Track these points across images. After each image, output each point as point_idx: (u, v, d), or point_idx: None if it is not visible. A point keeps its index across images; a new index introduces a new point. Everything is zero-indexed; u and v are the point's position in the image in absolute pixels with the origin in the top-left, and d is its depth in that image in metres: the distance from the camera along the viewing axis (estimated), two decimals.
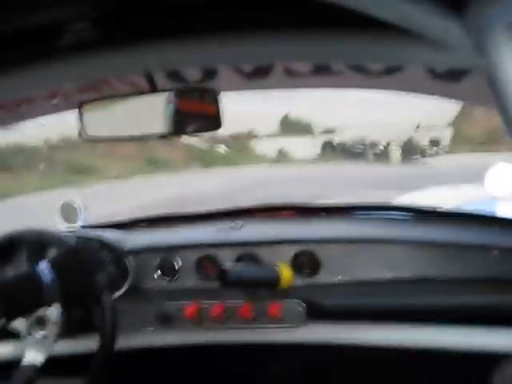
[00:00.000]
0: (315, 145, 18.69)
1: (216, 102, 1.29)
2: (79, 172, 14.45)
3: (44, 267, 1.46)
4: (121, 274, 1.73)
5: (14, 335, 1.54)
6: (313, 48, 1.05)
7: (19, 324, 1.51)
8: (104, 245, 1.73)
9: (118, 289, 1.70)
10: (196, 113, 1.30)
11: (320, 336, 1.60)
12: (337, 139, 19.06)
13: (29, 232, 1.66)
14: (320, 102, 14.33)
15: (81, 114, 1.34)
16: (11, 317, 1.45)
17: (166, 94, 1.31)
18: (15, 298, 1.44)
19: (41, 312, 1.49)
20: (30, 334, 1.49)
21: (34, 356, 1.47)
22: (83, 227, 2.03)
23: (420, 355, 1.59)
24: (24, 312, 1.47)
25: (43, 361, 1.46)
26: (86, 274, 1.49)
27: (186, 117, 1.30)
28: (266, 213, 1.98)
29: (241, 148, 18.31)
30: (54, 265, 1.46)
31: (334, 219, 1.91)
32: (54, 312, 1.49)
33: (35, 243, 1.64)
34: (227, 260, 1.67)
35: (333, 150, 18.67)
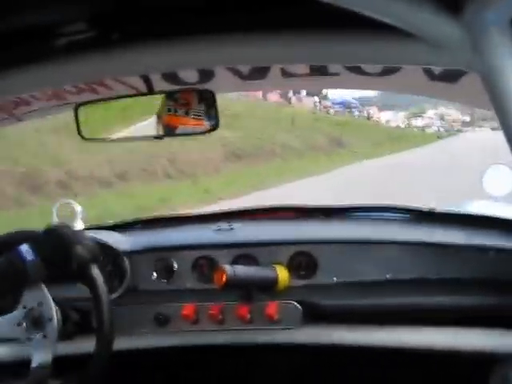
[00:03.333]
0: None
1: (213, 103, 1.30)
2: None
3: (25, 248, 1.47)
4: (118, 276, 1.73)
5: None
6: (310, 49, 1.05)
7: (16, 328, 1.50)
8: (101, 246, 1.73)
9: (115, 290, 1.70)
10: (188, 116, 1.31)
11: (317, 337, 1.60)
12: None
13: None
14: None
15: (77, 115, 1.34)
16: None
17: (162, 95, 1.31)
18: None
19: (36, 313, 1.49)
20: (28, 337, 1.49)
21: (42, 357, 1.46)
22: (80, 229, 2.03)
23: (417, 356, 1.59)
24: (11, 290, 1.50)
25: (51, 360, 1.46)
26: (65, 247, 1.48)
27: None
28: (263, 214, 1.98)
29: None
30: (34, 244, 1.47)
31: (331, 220, 1.91)
32: (50, 313, 1.49)
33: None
34: (224, 261, 1.67)
35: None
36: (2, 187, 10.50)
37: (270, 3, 1.00)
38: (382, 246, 1.63)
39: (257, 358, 1.82)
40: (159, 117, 1.32)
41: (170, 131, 1.34)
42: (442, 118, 64.71)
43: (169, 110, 1.32)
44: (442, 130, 54.19)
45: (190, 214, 2.05)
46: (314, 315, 1.60)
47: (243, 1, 1.00)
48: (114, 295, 1.67)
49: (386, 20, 0.88)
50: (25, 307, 1.50)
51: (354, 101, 40.63)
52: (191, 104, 1.32)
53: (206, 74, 1.34)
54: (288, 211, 1.98)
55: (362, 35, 0.99)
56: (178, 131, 1.34)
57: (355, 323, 1.58)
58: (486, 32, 0.86)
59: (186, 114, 1.31)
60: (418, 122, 58.05)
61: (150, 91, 1.31)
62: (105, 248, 1.73)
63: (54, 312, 1.49)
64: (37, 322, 1.49)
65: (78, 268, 1.48)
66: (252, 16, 1.01)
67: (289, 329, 1.60)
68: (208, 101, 1.30)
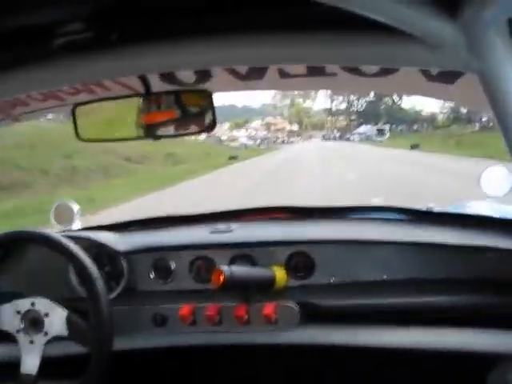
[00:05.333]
0: None
1: (210, 103, 1.30)
2: None
3: None
4: (116, 276, 1.73)
5: (8, 337, 1.55)
6: (308, 50, 1.05)
7: (14, 326, 1.51)
8: (98, 246, 1.73)
9: (113, 290, 1.70)
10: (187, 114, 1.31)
11: (315, 337, 1.60)
12: None
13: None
14: None
15: (75, 115, 1.34)
16: None
17: (159, 95, 1.31)
18: None
19: (36, 314, 1.49)
20: (25, 335, 1.49)
21: (30, 364, 1.47)
22: (78, 229, 2.03)
23: (415, 356, 1.59)
24: None
25: (38, 368, 1.47)
26: None
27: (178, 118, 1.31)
28: (261, 214, 1.98)
29: None
30: None
31: (329, 220, 1.91)
32: (46, 307, 1.49)
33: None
34: (222, 261, 1.67)
35: None
36: None
37: (269, 4, 1.00)
38: (380, 247, 1.63)
39: (254, 359, 1.82)
40: (137, 121, 1.33)
41: (152, 130, 1.34)
42: (268, 127, 63.02)
43: (141, 111, 1.32)
44: (251, 143, 50.59)
45: (188, 214, 2.05)
46: (312, 316, 1.60)
47: (241, 1, 1.00)
48: (112, 295, 1.67)
49: (384, 21, 0.88)
50: (18, 312, 1.50)
51: None
52: (161, 99, 1.32)
53: (204, 75, 1.34)
54: (285, 211, 1.98)
55: (360, 36, 0.99)
56: (161, 129, 1.34)
57: (353, 323, 1.58)
58: (484, 33, 0.87)
59: (158, 108, 1.32)
60: (241, 133, 56.56)
61: (148, 92, 1.31)
62: (102, 248, 1.73)
63: (49, 304, 1.50)
64: (36, 323, 1.50)
65: None
66: (250, 16, 1.01)
67: (286, 329, 1.60)
68: (205, 101, 1.30)
